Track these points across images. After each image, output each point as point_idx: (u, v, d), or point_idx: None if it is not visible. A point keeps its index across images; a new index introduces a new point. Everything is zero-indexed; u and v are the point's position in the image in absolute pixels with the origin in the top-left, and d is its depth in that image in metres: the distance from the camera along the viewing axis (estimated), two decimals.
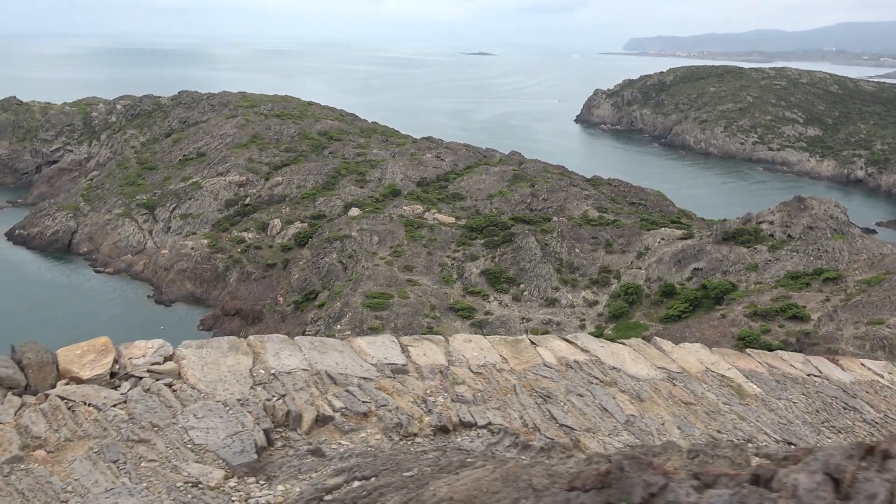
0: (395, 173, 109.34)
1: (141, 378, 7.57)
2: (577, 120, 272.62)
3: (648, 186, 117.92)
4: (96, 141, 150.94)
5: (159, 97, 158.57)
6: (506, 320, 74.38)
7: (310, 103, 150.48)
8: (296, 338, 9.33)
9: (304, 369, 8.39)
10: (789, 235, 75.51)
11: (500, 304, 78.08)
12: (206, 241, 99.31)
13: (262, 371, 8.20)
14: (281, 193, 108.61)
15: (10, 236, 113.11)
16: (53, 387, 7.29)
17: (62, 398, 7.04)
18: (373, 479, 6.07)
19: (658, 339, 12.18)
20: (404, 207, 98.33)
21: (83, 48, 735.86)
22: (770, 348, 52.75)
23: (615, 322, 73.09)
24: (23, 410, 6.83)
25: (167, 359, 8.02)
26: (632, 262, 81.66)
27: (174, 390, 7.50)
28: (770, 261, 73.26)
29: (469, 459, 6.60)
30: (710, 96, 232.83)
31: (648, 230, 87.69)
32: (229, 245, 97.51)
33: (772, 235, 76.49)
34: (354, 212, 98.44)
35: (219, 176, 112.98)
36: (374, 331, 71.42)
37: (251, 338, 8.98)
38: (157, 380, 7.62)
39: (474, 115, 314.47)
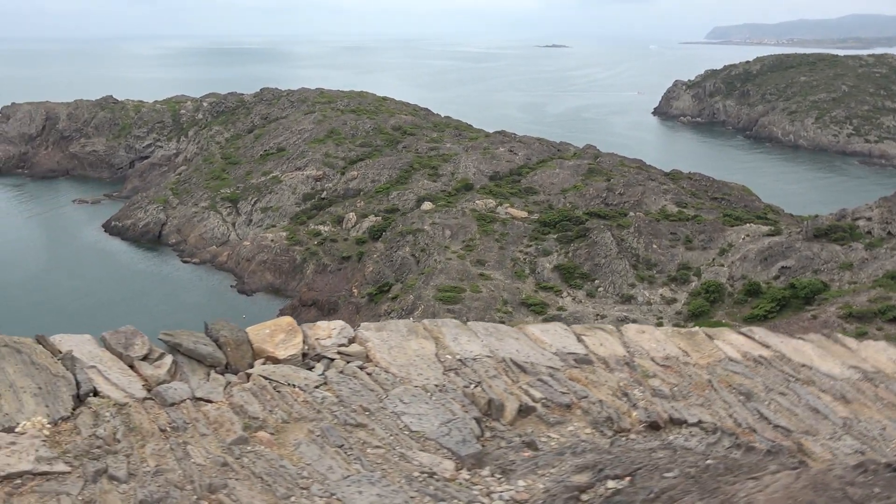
0: (468, 167, 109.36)
1: (332, 360, 7.41)
2: (655, 112, 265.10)
3: (732, 181, 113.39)
4: (184, 137, 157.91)
5: (242, 94, 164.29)
6: (579, 317, 73.16)
7: (384, 98, 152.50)
8: (469, 322, 9.04)
9: (488, 356, 8.03)
10: (889, 233, 70.98)
11: (573, 299, 76.92)
12: (284, 234, 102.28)
13: (448, 356, 7.84)
14: (356, 187, 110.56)
15: (107, 228, 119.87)
16: (251, 366, 7.21)
17: (265, 378, 6.92)
18: (627, 478, 5.59)
19: (840, 335, 11.27)
20: (476, 202, 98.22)
21: (172, 49, 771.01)
22: None
23: (695, 321, 70.64)
24: (230, 389, 6.75)
25: (351, 340, 7.85)
26: (713, 260, 78.75)
27: (369, 373, 7.27)
28: (867, 260, 69.04)
29: (744, 462, 6.05)
30: (800, 86, 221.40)
31: (732, 226, 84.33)
32: (306, 237, 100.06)
33: (869, 233, 72.09)
34: (427, 206, 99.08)
35: (297, 170, 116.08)
36: None
37: (426, 321, 8.76)
38: (348, 362, 7.42)
39: (548, 108, 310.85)
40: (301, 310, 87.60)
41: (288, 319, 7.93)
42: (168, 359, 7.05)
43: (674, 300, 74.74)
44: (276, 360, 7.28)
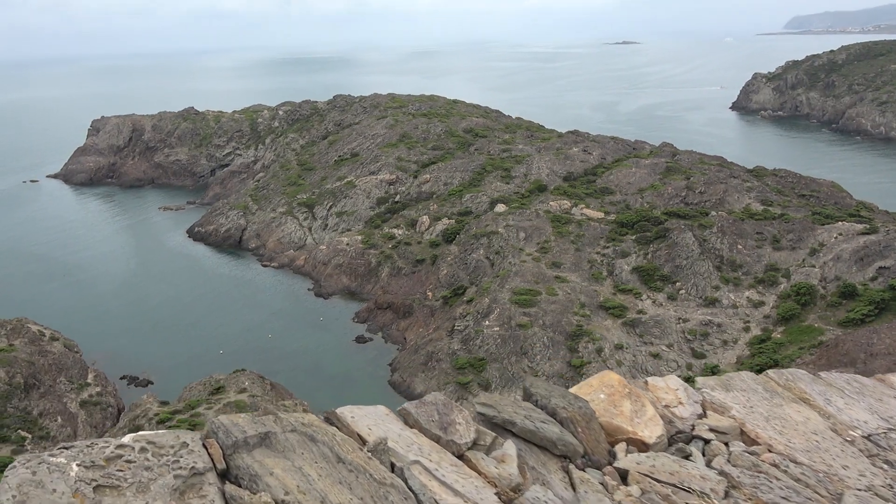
0: (541, 168, 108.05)
1: (707, 441, 5.68)
2: (734, 107, 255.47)
3: (820, 176, 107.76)
4: (262, 145, 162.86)
5: (316, 102, 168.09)
6: (660, 320, 70.97)
7: (455, 101, 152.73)
8: (822, 374, 7.26)
9: (891, 428, 6.13)
10: None
11: (653, 302, 74.63)
12: (359, 238, 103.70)
13: (847, 430, 6.00)
14: (429, 191, 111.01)
15: (191, 233, 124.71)
16: (611, 454, 5.51)
17: (648, 477, 5.12)
18: None
19: None
20: (551, 203, 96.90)
21: (249, 60, 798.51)
22: None
23: (785, 325, 67.35)
24: (616, 498, 4.88)
25: (701, 404, 6.16)
26: (803, 260, 74.82)
27: (774, 465, 5.39)
28: None
29: None
30: (891, 74, 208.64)
31: (822, 224, 79.95)
32: (381, 241, 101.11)
33: None
34: (500, 208, 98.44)
35: (370, 175, 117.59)
36: (521, 327, 71.00)
37: (772, 373, 6.87)
38: (725, 442, 5.64)
39: (620, 106, 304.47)
40: (377, 313, 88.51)
41: (616, 378, 6.34)
42: (510, 448, 5.32)
43: (761, 303, 71.42)
44: (639, 444, 5.65)
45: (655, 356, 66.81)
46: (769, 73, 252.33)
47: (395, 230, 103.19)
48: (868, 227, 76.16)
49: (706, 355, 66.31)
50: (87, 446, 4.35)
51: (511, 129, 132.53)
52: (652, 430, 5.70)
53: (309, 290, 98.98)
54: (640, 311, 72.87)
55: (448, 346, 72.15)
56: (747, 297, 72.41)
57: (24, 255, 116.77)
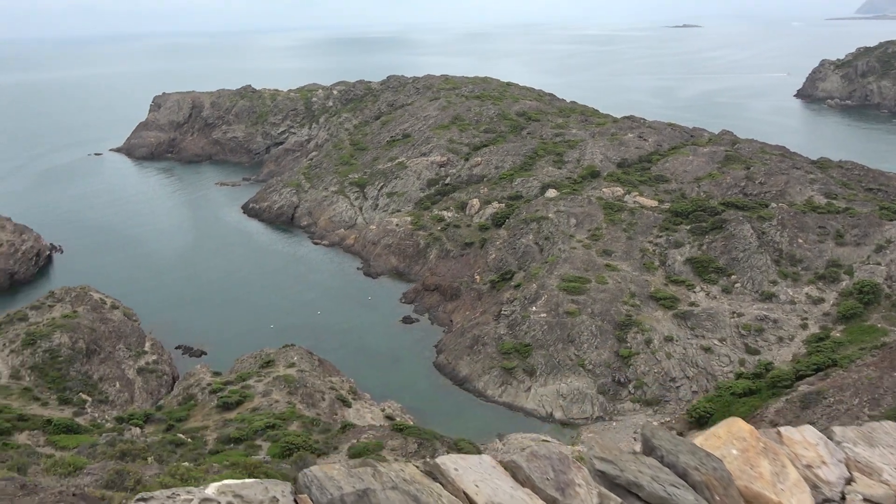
0: (595, 154, 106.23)
1: None
2: (798, 95, 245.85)
3: (890, 170, 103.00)
4: (315, 124, 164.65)
5: (370, 82, 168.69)
6: (713, 313, 69.28)
7: (509, 84, 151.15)
8: None
9: None
10: None
11: (706, 295, 72.85)
12: (409, 219, 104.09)
13: None
14: (480, 174, 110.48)
15: (245, 209, 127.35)
16: None
17: None
18: None
19: None
20: (603, 189, 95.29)
21: (305, 40, 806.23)
22: None
23: (845, 324, 64.92)
24: None
25: (846, 464, 5.42)
26: (868, 257, 71.81)
27: None
28: None
29: None
30: None
31: (891, 220, 76.48)
32: (430, 223, 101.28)
33: None
34: (551, 193, 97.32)
35: (422, 156, 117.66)
36: (569, 314, 70.32)
37: (888, 425, 6.02)
38: None
39: (679, 92, 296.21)
40: (424, 294, 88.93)
41: (747, 428, 5.60)
42: None
43: (821, 300, 68.96)
44: None
45: (707, 350, 65.34)
46: (838, 59, 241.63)
47: (444, 212, 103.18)
48: None
49: (760, 351, 64.51)
50: (169, 497, 4.11)
51: (565, 112, 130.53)
52: (799, 500, 4.81)
53: (358, 269, 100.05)
54: (692, 304, 71.27)
55: (494, 331, 72.03)
56: (806, 294, 70.02)
57: (89, 226, 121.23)
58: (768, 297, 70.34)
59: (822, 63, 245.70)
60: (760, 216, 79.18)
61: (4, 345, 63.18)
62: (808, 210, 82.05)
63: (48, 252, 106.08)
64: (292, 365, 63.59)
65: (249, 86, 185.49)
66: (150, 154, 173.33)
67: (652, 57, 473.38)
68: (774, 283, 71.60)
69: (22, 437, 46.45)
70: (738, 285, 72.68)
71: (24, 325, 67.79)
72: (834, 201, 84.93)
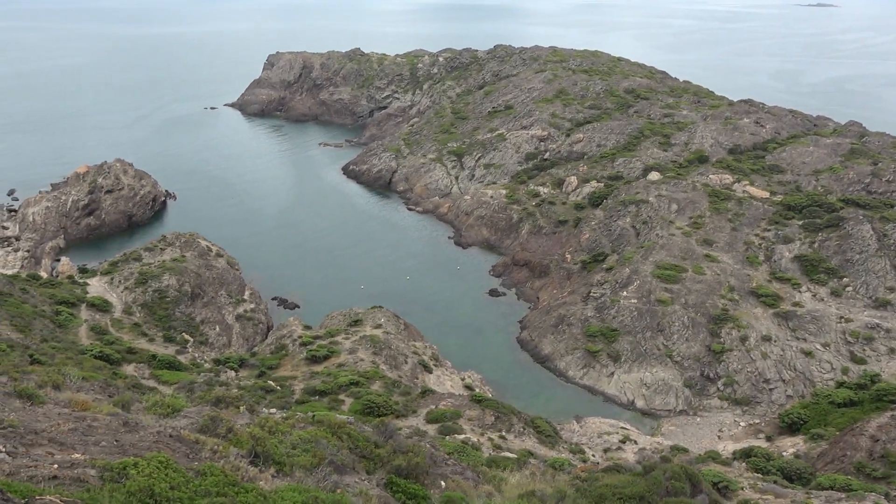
0: (705, 138, 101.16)
1: None
2: None
3: None
4: (419, 90, 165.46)
5: (476, 51, 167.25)
6: (819, 316, 65.09)
7: (619, 59, 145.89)
8: None
9: None
10: None
11: (813, 296, 68.46)
12: (504, 192, 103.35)
13: None
14: (580, 151, 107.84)
15: (345, 171, 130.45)
16: None
17: None
18: None
19: None
20: (710, 176, 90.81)
21: (416, 4, 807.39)
22: None
23: None
24: None
25: None
26: None
27: None
28: None
29: None
30: None
31: None
32: (525, 197, 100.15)
33: None
34: (654, 176, 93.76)
35: (522, 129, 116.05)
36: (661, 303, 68.06)
37: None
38: None
39: (804, 77, 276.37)
40: (513, 269, 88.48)
41: None
42: None
43: None
44: None
45: (808, 354, 61.62)
46: None
47: (540, 188, 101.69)
48: None
49: (867, 361, 60.21)
50: None
51: (676, 92, 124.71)
52: None
53: (449, 238, 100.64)
54: (795, 304, 67.22)
55: (581, 312, 70.83)
56: None
57: (201, 176, 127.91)
58: (883, 305, 65.30)
59: None
60: (884, 217, 73.22)
61: (119, 282, 68.12)
62: None
63: (163, 198, 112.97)
64: (379, 326, 65.11)
65: (358, 49, 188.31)
66: (260, 111, 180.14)
67: (779, 37, 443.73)
68: (892, 290, 66.35)
69: (129, 369, 50.18)
70: (849, 289, 67.83)
71: (137, 265, 72.77)
72: None
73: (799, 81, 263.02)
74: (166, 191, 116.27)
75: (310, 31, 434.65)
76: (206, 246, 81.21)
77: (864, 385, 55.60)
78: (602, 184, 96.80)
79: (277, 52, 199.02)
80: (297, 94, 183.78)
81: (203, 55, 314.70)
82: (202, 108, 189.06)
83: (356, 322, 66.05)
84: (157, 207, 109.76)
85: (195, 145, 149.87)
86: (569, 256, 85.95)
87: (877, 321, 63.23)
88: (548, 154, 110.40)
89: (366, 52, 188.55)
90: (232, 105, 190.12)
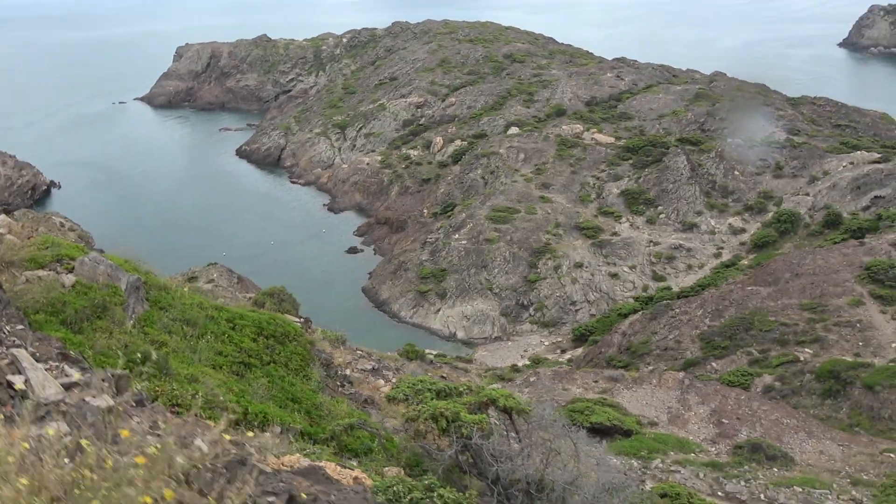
0: (565, 93, 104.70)
1: None
2: (843, 44, 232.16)
3: (877, 108, 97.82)
4: (322, 72, 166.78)
5: (375, 29, 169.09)
6: (630, 242, 68.88)
7: (507, 28, 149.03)
8: None
9: None
10: None
11: (631, 225, 72.25)
12: (379, 158, 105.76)
13: None
14: (452, 114, 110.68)
15: (238, 152, 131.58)
16: None
17: None
18: None
19: None
20: (563, 127, 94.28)
21: None
22: None
23: (757, 252, 63.61)
24: None
25: None
26: (800, 188, 69.53)
27: None
28: None
29: None
30: None
31: (837, 153, 73.46)
32: (396, 161, 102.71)
33: None
34: (513, 131, 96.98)
35: (401, 98, 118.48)
36: (488, 241, 71.20)
37: None
38: None
39: (720, 43, 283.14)
40: (375, 227, 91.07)
41: None
42: None
43: (742, 230, 67.52)
44: None
45: (614, 276, 65.32)
46: (889, 4, 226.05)
47: (411, 151, 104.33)
48: (881, 156, 69.32)
49: (666, 279, 64.10)
50: None
51: (553, 55, 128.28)
52: None
53: (324, 205, 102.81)
54: (614, 233, 70.95)
55: (417, 257, 73.68)
56: (729, 224, 68.67)
57: (93, 166, 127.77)
58: (689, 228, 69.35)
59: (871, 9, 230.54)
60: (702, 149, 77.33)
61: None
62: (766, 144, 79.45)
63: (45, 187, 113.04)
64: (212, 280, 67.15)
65: (265, 35, 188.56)
66: (167, 102, 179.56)
67: (702, 7, 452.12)
68: (699, 213, 70.40)
69: None
70: (662, 216, 71.77)
71: None
72: (795, 137, 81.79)
73: (714, 47, 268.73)
74: (50, 180, 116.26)
75: (264, 24, 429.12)
76: (60, 222, 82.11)
77: (652, 297, 59.43)
78: (466, 142, 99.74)
79: (187, 44, 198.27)
80: (205, 84, 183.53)
81: (130, 54, 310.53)
82: (111, 103, 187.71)
83: (192, 279, 67.83)
84: (37, 196, 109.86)
85: (95, 139, 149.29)
86: (426, 210, 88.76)
87: (681, 242, 67.21)
88: (424, 119, 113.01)
89: (273, 38, 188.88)
90: (141, 99, 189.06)
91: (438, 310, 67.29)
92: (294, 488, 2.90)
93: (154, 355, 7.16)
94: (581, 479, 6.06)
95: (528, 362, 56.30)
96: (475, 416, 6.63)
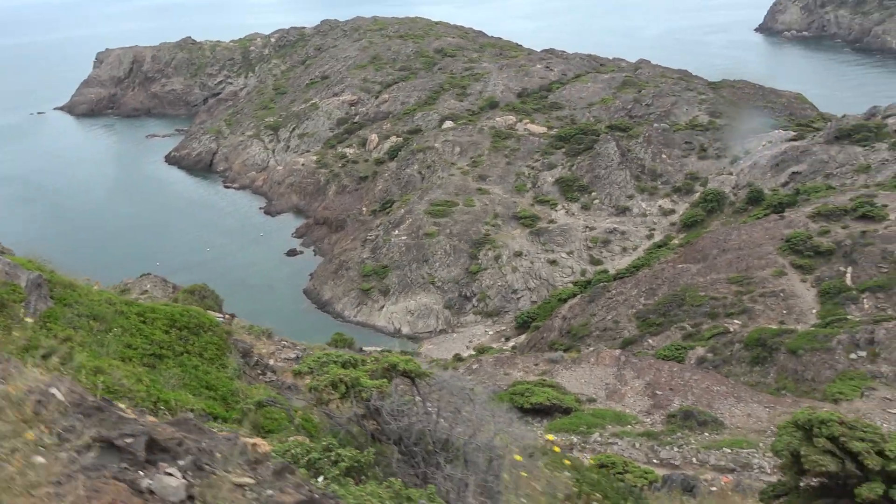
0: (497, 85, 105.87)
1: None
2: (759, 29, 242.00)
3: (790, 89, 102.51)
4: (251, 73, 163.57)
5: (304, 27, 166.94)
6: (567, 229, 70.37)
7: (437, 23, 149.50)
8: None
9: None
10: None
11: (566, 212, 73.81)
12: (314, 158, 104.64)
13: None
14: (386, 110, 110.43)
15: (168, 158, 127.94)
16: None
17: None
18: None
19: None
20: (497, 119, 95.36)
21: None
22: (818, 251, 44.68)
23: (686, 231, 65.98)
24: None
25: None
26: (724, 168, 72.42)
27: None
28: (888, 161, 60.96)
29: None
30: None
31: (756, 133, 76.76)
32: (332, 160, 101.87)
33: None
34: (448, 125, 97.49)
35: (334, 96, 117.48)
36: (428, 236, 71.52)
37: None
38: None
39: (646, 31, 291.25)
40: (314, 228, 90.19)
41: None
42: None
43: (672, 211, 69.88)
44: None
45: (552, 263, 66.64)
46: None
47: (347, 149, 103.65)
48: (797, 134, 72.85)
49: (603, 262, 65.79)
50: None
51: (484, 48, 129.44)
52: None
53: (260, 208, 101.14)
54: (550, 221, 72.31)
55: (358, 256, 73.41)
56: (659, 206, 70.94)
57: (9, 179, 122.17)
58: (622, 211, 71.32)
59: None
60: (629, 135, 79.53)
61: None
62: (687, 128, 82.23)
63: None
64: (145, 292, 65.28)
65: (189, 37, 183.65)
66: (90, 111, 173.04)
67: None
68: (631, 197, 72.48)
69: None
70: (596, 201, 73.55)
71: None
72: (716, 119, 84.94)
73: (639, 36, 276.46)
74: None
75: (183, 28, 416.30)
76: None
77: (591, 281, 60.93)
78: (401, 138, 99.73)
79: (107, 49, 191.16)
80: (129, 90, 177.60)
81: (46, 62, 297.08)
82: (29, 114, 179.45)
83: (124, 291, 65.77)
84: None
85: (13, 153, 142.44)
86: (365, 208, 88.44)
87: (615, 226, 69.05)
88: (358, 117, 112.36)
89: (198, 40, 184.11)
90: (61, 108, 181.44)
91: (382, 307, 67.27)
92: (158, 433, 3.04)
93: (58, 349, 7.12)
94: (479, 433, 6.47)
95: (472, 352, 56.95)
96: (376, 381, 6.93)
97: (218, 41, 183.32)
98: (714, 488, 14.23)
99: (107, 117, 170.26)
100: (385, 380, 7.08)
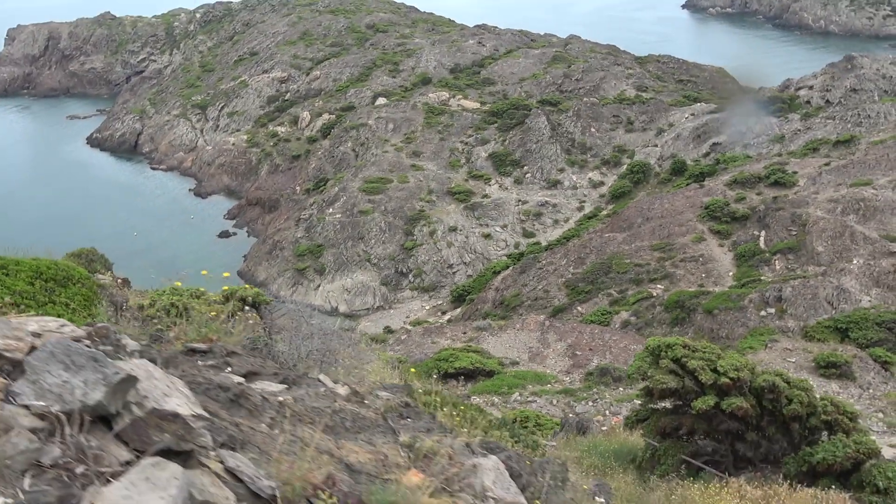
0: (430, 61, 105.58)
1: None
2: (686, 5, 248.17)
3: (713, 63, 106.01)
4: (176, 50, 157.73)
5: (230, 2, 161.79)
6: (501, 203, 71.40)
7: None
8: None
9: None
10: (828, 101, 65.34)
11: (500, 187, 74.81)
12: (245, 137, 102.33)
13: None
14: (318, 87, 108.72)
15: (90, 141, 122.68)
16: None
17: None
18: None
19: None
20: (430, 95, 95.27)
21: None
22: (735, 217, 46.86)
23: (615, 202, 67.95)
24: None
25: None
26: (649, 140, 74.67)
27: None
28: (800, 131, 64.11)
29: None
30: None
31: (680, 106, 79.33)
32: (264, 139, 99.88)
33: (808, 102, 66.56)
34: (381, 101, 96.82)
35: (263, 73, 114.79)
36: (363, 213, 71.33)
37: None
38: None
39: (575, 7, 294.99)
40: (247, 209, 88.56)
41: None
42: None
43: (601, 183, 71.78)
44: None
45: (487, 237, 67.60)
46: None
47: (278, 128, 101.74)
48: (718, 106, 75.65)
49: (536, 234, 67.15)
50: None
51: (416, 24, 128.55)
52: None
53: (190, 190, 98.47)
54: (484, 196, 73.15)
55: (293, 235, 72.65)
56: (589, 178, 72.71)
57: None
58: (554, 185, 72.80)
59: None
60: (560, 109, 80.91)
61: None
62: (616, 102, 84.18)
63: None
64: None
65: (108, 12, 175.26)
66: (2, 91, 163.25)
67: None
68: (562, 170, 74.01)
69: None
70: (528, 175, 74.79)
71: None
72: (643, 93, 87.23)
73: (570, 12, 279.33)
74: None
75: (101, 3, 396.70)
76: None
77: (524, 253, 62.18)
78: (334, 115, 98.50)
79: (19, 25, 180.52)
80: (45, 69, 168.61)
81: None
82: None
83: None
84: None
85: None
86: (298, 188, 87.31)
87: (547, 199, 70.48)
88: (289, 95, 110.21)
89: (118, 15, 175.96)
90: None
91: (318, 286, 66.94)
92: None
93: None
94: (305, 342, 7.23)
95: (408, 327, 57.50)
96: (211, 306, 7.42)
97: (139, 16, 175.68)
98: (605, 428, 15.19)
99: (21, 98, 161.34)
100: (221, 306, 7.46)
